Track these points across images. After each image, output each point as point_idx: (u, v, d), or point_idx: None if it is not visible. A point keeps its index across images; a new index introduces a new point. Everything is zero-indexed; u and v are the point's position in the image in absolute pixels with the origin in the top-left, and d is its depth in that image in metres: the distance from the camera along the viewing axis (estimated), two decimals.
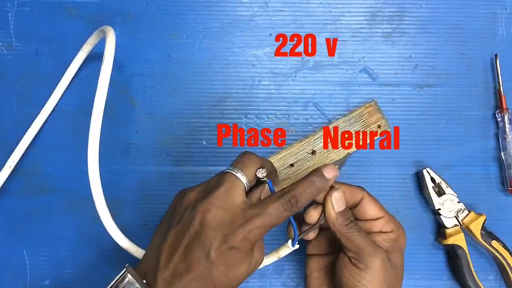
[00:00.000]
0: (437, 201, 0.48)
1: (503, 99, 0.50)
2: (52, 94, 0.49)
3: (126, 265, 0.35)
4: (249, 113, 0.50)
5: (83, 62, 0.49)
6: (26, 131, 0.48)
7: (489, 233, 0.48)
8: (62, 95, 0.49)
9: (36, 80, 0.49)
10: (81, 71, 0.50)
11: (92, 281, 0.48)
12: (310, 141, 0.49)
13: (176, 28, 0.51)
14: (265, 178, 0.37)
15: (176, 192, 0.48)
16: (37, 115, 0.48)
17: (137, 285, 0.34)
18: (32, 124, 0.48)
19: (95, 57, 0.50)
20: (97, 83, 0.50)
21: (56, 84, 0.49)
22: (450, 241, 0.47)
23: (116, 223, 0.48)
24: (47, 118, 0.49)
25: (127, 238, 0.43)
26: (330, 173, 0.36)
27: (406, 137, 0.50)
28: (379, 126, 0.49)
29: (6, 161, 0.47)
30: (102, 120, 0.49)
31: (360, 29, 0.51)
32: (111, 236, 0.42)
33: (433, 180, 0.48)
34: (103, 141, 0.49)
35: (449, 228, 0.48)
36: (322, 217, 0.38)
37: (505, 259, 0.47)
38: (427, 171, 0.48)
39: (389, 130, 0.50)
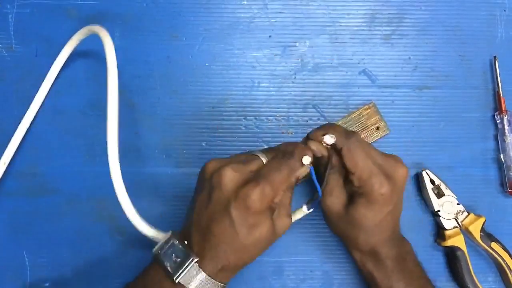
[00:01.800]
0: (436, 203, 0.48)
1: (502, 101, 0.50)
2: (40, 88, 0.49)
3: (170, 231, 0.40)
4: (249, 114, 0.50)
5: (82, 62, 0.50)
6: (26, 131, 0.49)
7: (489, 235, 0.48)
8: (61, 95, 0.50)
9: (36, 81, 0.49)
10: (81, 71, 0.50)
11: (92, 282, 0.48)
12: None
13: (176, 29, 0.51)
14: (308, 165, 0.39)
15: (175, 193, 0.49)
16: (27, 111, 0.49)
17: (179, 246, 0.38)
18: (23, 119, 0.49)
19: (95, 57, 0.50)
20: (96, 83, 0.50)
21: (53, 86, 0.49)
22: (449, 242, 0.47)
23: (116, 224, 0.48)
24: (47, 118, 0.49)
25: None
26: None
27: (405, 138, 0.50)
28: (377, 128, 0.50)
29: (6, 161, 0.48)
30: (102, 122, 0.50)
31: (360, 31, 0.52)
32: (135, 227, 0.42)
33: (432, 181, 0.48)
34: (102, 143, 0.49)
35: (448, 229, 0.48)
36: (325, 184, 0.41)
37: (504, 261, 0.47)
38: (426, 172, 0.48)
39: (388, 132, 0.50)
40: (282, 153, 0.40)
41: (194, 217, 0.39)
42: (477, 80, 0.51)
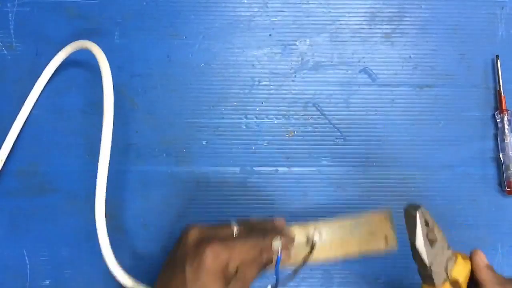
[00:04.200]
0: (430, 254, 0.34)
1: (502, 100, 0.50)
2: (31, 93, 0.49)
3: None
4: (249, 113, 0.50)
5: (82, 61, 0.50)
6: (25, 131, 0.49)
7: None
8: (61, 94, 0.50)
9: (36, 80, 0.49)
10: (81, 70, 0.50)
11: (92, 281, 0.48)
12: (307, 229, 0.44)
13: (176, 28, 0.51)
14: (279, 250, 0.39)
15: (175, 192, 0.49)
16: (22, 108, 0.49)
17: None
18: (18, 115, 0.49)
19: (94, 57, 0.50)
20: (97, 83, 0.50)
21: (54, 84, 0.49)
22: None
23: (116, 224, 0.48)
24: (47, 117, 0.49)
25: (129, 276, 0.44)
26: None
27: (405, 137, 0.50)
28: (385, 237, 0.43)
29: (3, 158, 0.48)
30: (102, 121, 0.50)
31: (360, 30, 0.51)
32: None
33: (426, 223, 0.35)
34: None
35: (438, 286, 0.34)
36: (303, 264, 0.40)
37: None
38: (421, 212, 0.34)
39: (394, 247, 0.43)
40: (258, 229, 0.40)
41: (160, 273, 0.40)
42: (477, 79, 0.51)
